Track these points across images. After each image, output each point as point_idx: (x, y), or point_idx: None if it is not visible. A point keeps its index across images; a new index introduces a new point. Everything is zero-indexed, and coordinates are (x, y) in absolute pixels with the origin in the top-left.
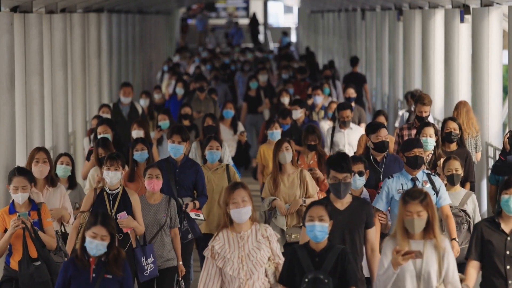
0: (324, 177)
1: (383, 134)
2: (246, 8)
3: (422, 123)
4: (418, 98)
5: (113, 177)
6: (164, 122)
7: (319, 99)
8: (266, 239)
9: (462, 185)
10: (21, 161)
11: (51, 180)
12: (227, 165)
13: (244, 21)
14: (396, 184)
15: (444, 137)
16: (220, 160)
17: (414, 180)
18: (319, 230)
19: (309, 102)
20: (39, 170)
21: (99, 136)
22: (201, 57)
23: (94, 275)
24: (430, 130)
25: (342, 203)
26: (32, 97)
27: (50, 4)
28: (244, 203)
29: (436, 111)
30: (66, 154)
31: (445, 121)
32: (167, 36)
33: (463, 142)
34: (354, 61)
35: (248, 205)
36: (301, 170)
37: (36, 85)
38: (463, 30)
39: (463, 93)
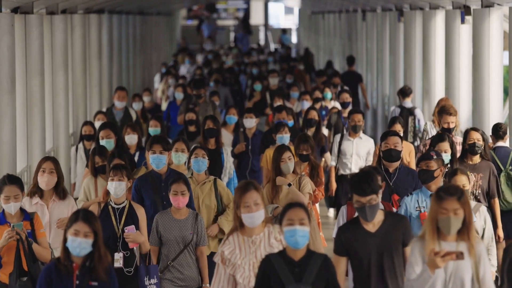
0: (316, 189)
1: (392, 142)
2: (247, 9)
3: (436, 137)
4: (442, 109)
5: (117, 187)
6: (155, 129)
7: (307, 105)
8: (280, 243)
9: (489, 203)
10: (21, 163)
11: (59, 191)
12: (215, 179)
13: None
14: (414, 202)
15: (467, 148)
16: (220, 168)
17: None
18: (300, 235)
19: (297, 107)
20: (45, 181)
21: (101, 141)
22: (193, 59)
23: (77, 282)
24: (445, 146)
25: (374, 224)
26: (32, 98)
27: (51, 5)
28: (257, 207)
29: None
30: None
31: (467, 132)
32: (167, 37)
33: (487, 154)
34: (350, 60)
35: (261, 209)
36: (300, 177)
37: (37, 86)
38: (464, 31)
39: (464, 94)
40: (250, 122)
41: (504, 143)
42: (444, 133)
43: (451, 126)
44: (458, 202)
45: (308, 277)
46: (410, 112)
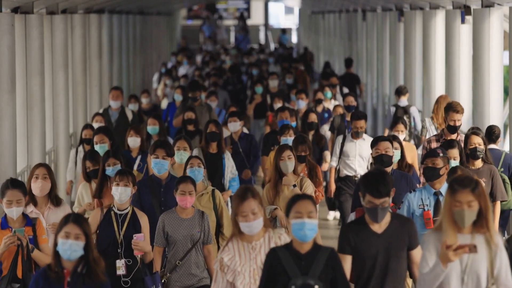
0: (316, 190)
1: (382, 147)
2: (247, 9)
3: (446, 143)
4: (449, 106)
5: (123, 193)
6: (153, 127)
7: (302, 104)
8: None
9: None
10: (21, 163)
11: (52, 198)
12: (213, 190)
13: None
14: (417, 199)
15: (469, 153)
16: (221, 172)
17: (437, 194)
18: (309, 228)
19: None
20: (38, 187)
21: (95, 146)
22: (191, 61)
23: None
24: (454, 153)
25: (380, 225)
26: (32, 98)
27: (51, 5)
28: (255, 216)
29: None
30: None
31: (468, 136)
32: (167, 37)
33: (489, 158)
34: (348, 62)
35: (259, 217)
36: (301, 178)
37: (37, 86)
38: (464, 31)
39: (464, 94)
40: (235, 126)
41: (495, 146)
42: (454, 140)
43: (457, 124)
44: (472, 194)
45: (315, 270)
46: (405, 110)
